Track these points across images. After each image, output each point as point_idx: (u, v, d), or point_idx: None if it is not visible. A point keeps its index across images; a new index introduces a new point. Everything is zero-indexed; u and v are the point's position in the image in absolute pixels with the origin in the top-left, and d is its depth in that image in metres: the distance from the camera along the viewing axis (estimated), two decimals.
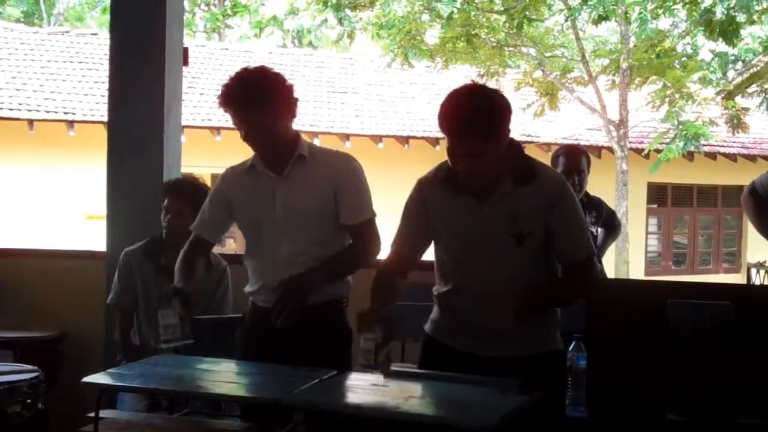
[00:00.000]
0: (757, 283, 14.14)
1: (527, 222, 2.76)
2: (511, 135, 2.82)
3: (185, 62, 4.92)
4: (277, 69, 3.21)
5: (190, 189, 4.11)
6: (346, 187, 3.18)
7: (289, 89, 3.16)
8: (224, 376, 2.86)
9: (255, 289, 3.26)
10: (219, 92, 3.11)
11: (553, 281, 2.86)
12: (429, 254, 3.07)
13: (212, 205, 3.32)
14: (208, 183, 4.34)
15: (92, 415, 2.67)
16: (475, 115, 2.63)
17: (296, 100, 3.18)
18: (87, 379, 2.71)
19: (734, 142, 16.01)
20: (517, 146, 2.86)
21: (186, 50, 4.93)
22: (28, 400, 3.52)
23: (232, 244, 14.82)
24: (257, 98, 3.05)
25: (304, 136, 3.30)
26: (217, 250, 4.28)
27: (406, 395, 2.55)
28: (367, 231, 3.20)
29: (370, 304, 2.81)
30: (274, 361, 2.94)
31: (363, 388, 2.69)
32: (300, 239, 3.14)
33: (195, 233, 3.37)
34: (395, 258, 3.00)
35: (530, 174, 2.80)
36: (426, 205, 2.92)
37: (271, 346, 3.10)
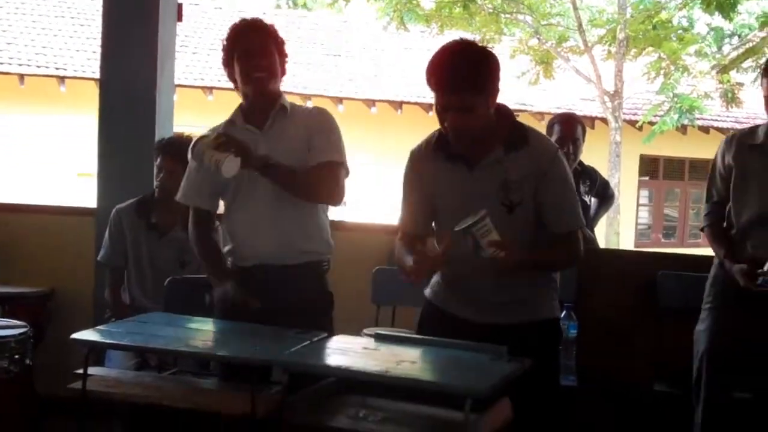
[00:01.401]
0: None
1: (518, 190, 2.73)
2: (505, 103, 2.81)
3: (179, 18, 4.86)
4: None
5: (183, 148, 4.06)
6: (317, 132, 3.12)
7: (282, 43, 3.17)
8: (214, 336, 2.85)
9: (232, 247, 3.17)
10: (226, 37, 3.13)
11: (540, 250, 2.79)
12: None
13: (196, 170, 3.18)
14: None
15: (80, 372, 2.65)
16: (464, 66, 2.62)
17: (286, 55, 3.18)
18: (75, 335, 2.68)
19: (728, 116, 15.99)
20: (508, 112, 2.83)
21: (180, 6, 4.87)
22: (16, 356, 3.51)
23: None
24: (259, 45, 3.07)
25: (297, 99, 3.27)
26: None
27: (397, 359, 2.53)
28: (326, 171, 3.06)
29: (405, 262, 2.73)
30: (254, 320, 2.90)
31: (354, 351, 2.68)
32: (279, 193, 3.06)
33: (193, 206, 3.24)
34: (405, 239, 2.91)
35: (522, 140, 2.77)
36: (420, 175, 2.88)
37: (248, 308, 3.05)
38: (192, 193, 3.23)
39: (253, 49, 3.08)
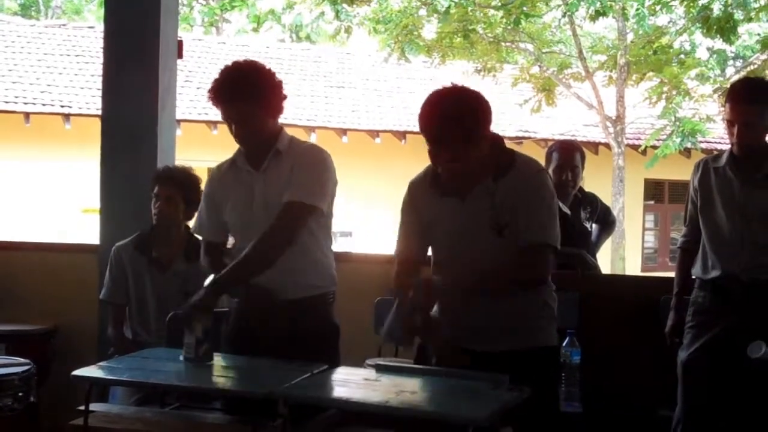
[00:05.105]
0: None
1: (505, 211, 2.75)
2: (503, 130, 2.84)
3: (180, 55, 4.90)
4: (274, 63, 3.20)
5: (180, 176, 4.09)
6: (297, 169, 3.12)
7: (279, 85, 3.16)
8: (215, 370, 2.85)
9: None
10: (209, 87, 3.11)
11: (502, 264, 2.77)
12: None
13: (206, 205, 3.33)
14: (204, 177, 4.32)
15: (82, 408, 2.66)
16: (449, 120, 2.65)
17: (285, 97, 3.18)
18: (77, 372, 2.71)
19: None
20: (496, 139, 2.85)
21: (180, 43, 4.91)
22: (20, 393, 3.52)
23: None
24: (247, 93, 3.04)
25: (301, 131, 3.30)
26: None
27: (398, 389, 2.54)
28: (291, 211, 3.06)
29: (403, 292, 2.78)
30: (261, 354, 2.94)
31: (354, 382, 2.69)
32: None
33: (203, 238, 3.37)
34: (402, 267, 2.94)
35: (509, 165, 2.80)
36: (417, 206, 2.92)
37: (257, 340, 3.09)
38: (203, 227, 3.36)
39: (229, 112, 3.08)
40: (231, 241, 3.39)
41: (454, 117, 2.65)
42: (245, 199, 3.17)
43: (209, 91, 3.11)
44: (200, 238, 3.43)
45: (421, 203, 2.91)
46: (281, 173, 3.13)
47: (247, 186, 3.17)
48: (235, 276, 3.06)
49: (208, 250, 3.33)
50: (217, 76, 3.12)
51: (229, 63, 3.18)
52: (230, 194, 3.23)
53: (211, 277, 3.06)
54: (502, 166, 2.79)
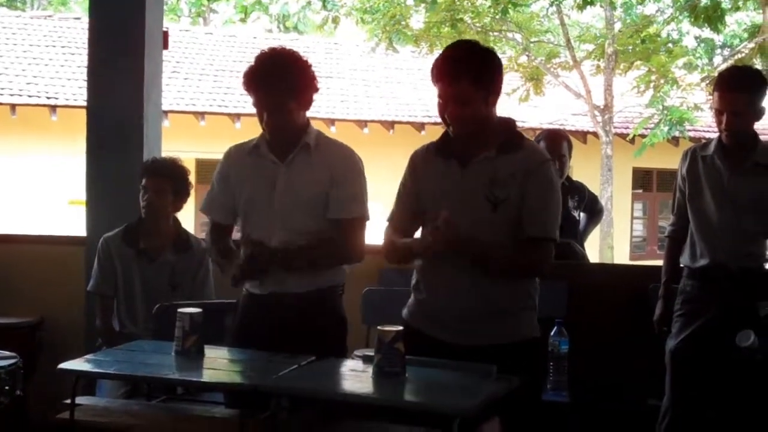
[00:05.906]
0: None
1: (503, 188, 2.76)
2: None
3: (165, 46, 4.87)
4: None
5: (168, 167, 4.07)
6: (340, 181, 3.10)
7: (314, 78, 3.14)
8: (204, 363, 2.85)
9: None
10: (244, 72, 3.07)
11: (500, 248, 2.78)
12: None
13: (219, 186, 3.25)
14: (192, 168, 4.30)
15: (69, 401, 2.65)
16: (463, 57, 2.75)
17: (317, 89, 3.16)
18: (63, 365, 2.69)
19: None
20: (511, 123, 2.92)
21: (166, 33, 4.88)
22: (6, 387, 3.48)
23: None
24: (285, 85, 3.02)
25: None
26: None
27: (385, 380, 2.53)
28: (352, 229, 3.12)
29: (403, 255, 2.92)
30: (268, 347, 2.91)
31: (342, 373, 2.69)
32: (293, 228, 3.08)
33: (210, 218, 3.30)
34: (393, 234, 2.97)
35: (516, 146, 2.83)
36: (416, 175, 2.93)
37: (264, 332, 3.07)
38: (213, 207, 3.27)
39: (265, 98, 3.04)
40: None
41: (467, 56, 2.75)
42: (266, 188, 3.11)
43: (244, 76, 3.07)
44: (209, 218, 3.32)
45: (421, 168, 2.92)
46: (308, 168, 3.11)
47: (269, 176, 3.12)
48: (302, 261, 3.06)
49: (215, 231, 3.28)
50: (253, 62, 3.07)
51: (266, 49, 3.12)
52: (249, 180, 3.17)
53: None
54: (508, 143, 2.82)
